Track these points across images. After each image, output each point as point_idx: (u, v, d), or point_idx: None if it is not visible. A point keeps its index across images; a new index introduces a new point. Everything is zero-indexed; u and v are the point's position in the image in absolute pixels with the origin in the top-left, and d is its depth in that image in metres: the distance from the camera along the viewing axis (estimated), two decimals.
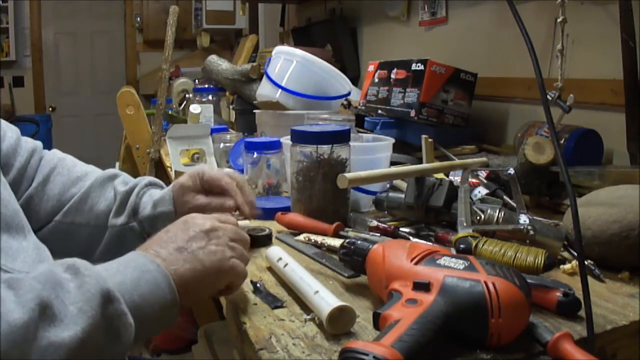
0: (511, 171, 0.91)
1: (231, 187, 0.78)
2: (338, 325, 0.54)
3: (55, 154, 0.85)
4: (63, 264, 0.48)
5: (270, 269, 0.72)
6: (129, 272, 0.51)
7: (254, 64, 1.81)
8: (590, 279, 0.66)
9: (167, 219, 0.74)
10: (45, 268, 0.47)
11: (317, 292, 0.58)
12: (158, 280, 0.52)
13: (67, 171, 0.82)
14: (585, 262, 0.68)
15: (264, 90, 1.47)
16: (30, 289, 0.43)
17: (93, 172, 0.83)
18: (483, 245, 0.66)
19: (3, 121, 0.77)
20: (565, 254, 0.75)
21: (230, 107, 2.04)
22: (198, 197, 0.79)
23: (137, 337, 0.49)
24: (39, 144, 0.83)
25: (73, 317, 0.43)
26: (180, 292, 0.53)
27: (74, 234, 0.78)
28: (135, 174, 0.83)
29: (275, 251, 0.71)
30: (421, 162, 1.12)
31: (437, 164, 0.98)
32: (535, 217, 0.80)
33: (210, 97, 2.16)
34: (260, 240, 0.81)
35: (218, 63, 1.91)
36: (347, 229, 0.85)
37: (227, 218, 0.65)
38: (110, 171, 0.84)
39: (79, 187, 0.80)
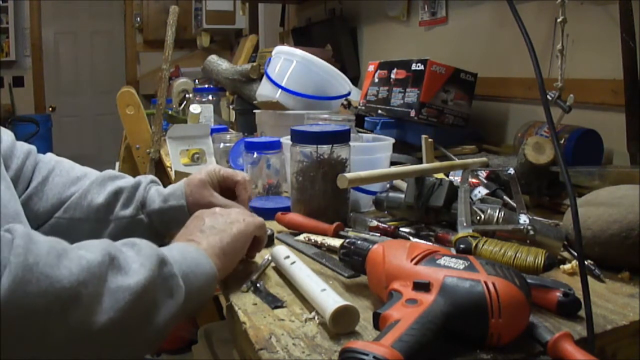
0: (511, 171, 0.91)
1: (245, 183, 0.84)
2: (341, 324, 0.54)
3: (52, 157, 0.86)
4: (122, 241, 0.56)
5: (275, 269, 0.72)
6: (174, 251, 0.59)
7: (254, 64, 1.80)
8: (590, 279, 0.66)
9: (179, 212, 0.80)
10: (103, 242, 0.52)
11: (324, 290, 0.58)
12: (199, 256, 0.60)
13: (66, 172, 0.83)
14: (585, 262, 0.68)
15: (264, 90, 1.47)
16: (97, 246, 0.50)
17: (92, 173, 0.85)
18: (483, 245, 0.66)
19: None
20: (565, 254, 0.75)
21: (230, 107, 2.04)
22: (215, 193, 0.83)
23: (185, 303, 0.55)
24: (33, 147, 0.85)
25: (136, 269, 0.51)
26: (217, 263, 0.62)
27: (74, 229, 0.79)
28: (135, 174, 0.83)
29: (281, 250, 0.72)
30: (421, 162, 1.12)
31: (437, 164, 0.98)
32: (535, 217, 0.80)
33: (210, 97, 2.16)
34: None
35: (218, 63, 1.91)
36: (347, 229, 0.85)
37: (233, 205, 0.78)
38: (110, 172, 0.85)
39: (79, 185, 0.81)
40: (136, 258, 0.52)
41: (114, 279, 0.48)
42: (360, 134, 1.16)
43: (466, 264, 0.53)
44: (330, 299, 0.56)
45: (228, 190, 0.84)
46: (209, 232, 0.66)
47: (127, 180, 0.84)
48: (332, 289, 0.59)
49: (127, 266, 0.50)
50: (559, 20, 1.00)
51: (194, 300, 0.57)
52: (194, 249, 0.61)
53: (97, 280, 0.46)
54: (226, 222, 0.68)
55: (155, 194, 0.82)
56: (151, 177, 0.86)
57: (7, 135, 0.79)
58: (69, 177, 0.82)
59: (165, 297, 0.53)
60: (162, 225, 0.82)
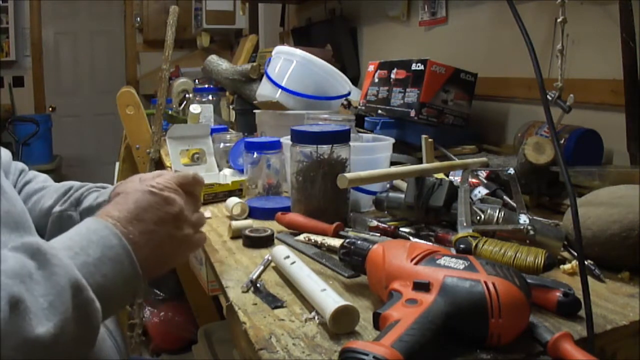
0: (511, 171, 0.91)
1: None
2: (341, 324, 0.54)
3: (45, 180, 0.87)
4: (28, 249, 0.48)
5: (274, 268, 0.72)
6: (92, 250, 0.52)
7: (254, 64, 1.80)
8: (590, 279, 0.66)
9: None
10: (13, 260, 0.46)
11: (324, 290, 0.58)
12: (121, 257, 0.54)
13: (52, 192, 0.83)
14: (585, 262, 0.68)
15: (264, 90, 1.47)
16: (2, 286, 0.43)
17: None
18: (483, 245, 0.66)
19: None
20: (565, 254, 0.75)
21: (230, 107, 2.04)
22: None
23: (103, 317, 0.50)
24: (25, 167, 0.88)
25: (44, 311, 0.43)
26: (144, 275, 0.56)
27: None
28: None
29: (281, 250, 0.72)
30: (421, 162, 1.12)
31: (437, 164, 0.98)
32: (535, 217, 0.80)
33: (210, 97, 2.16)
34: (262, 241, 0.81)
35: (218, 63, 1.91)
36: (347, 229, 0.85)
37: (189, 180, 0.67)
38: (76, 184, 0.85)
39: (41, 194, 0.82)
40: (45, 291, 0.44)
41: (19, 329, 0.41)
42: (360, 134, 1.16)
43: (466, 264, 0.53)
44: (330, 299, 0.56)
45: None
46: (154, 237, 0.59)
47: (81, 184, 0.83)
48: (332, 289, 0.59)
49: (35, 307, 0.43)
50: (559, 20, 1.00)
51: (113, 308, 0.54)
52: (117, 243, 0.54)
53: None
54: (176, 236, 0.61)
55: (94, 195, 0.79)
56: (103, 184, 0.84)
57: (6, 152, 0.80)
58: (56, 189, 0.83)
59: (82, 328, 0.47)
60: None
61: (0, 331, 0.40)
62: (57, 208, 0.78)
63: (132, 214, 0.58)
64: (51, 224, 0.78)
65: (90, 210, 0.77)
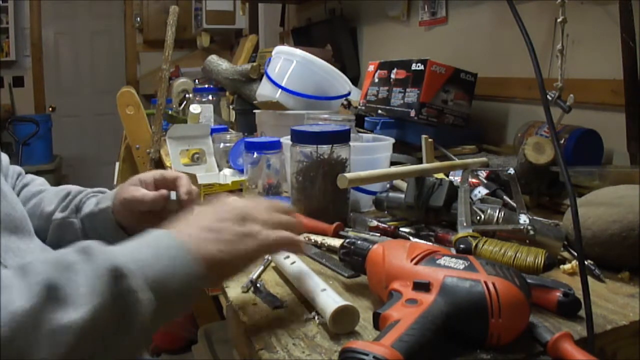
0: (511, 171, 0.91)
1: (183, 179, 0.76)
2: (341, 324, 0.54)
3: (42, 185, 0.87)
4: (77, 246, 0.48)
5: (275, 268, 0.72)
6: (144, 249, 0.50)
7: (254, 64, 1.80)
8: (590, 279, 0.66)
9: (105, 214, 0.74)
10: (59, 251, 0.47)
11: (324, 290, 0.58)
12: (179, 254, 0.50)
13: (51, 195, 0.83)
14: (585, 262, 0.68)
15: (264, 90, 1.47)
16: (40, 271, 0.43)
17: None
18: (483, 245, 0.66)
19: None
20: (565, 254, 0.75)
21: (230, 107, 2.04)
22: (141, 188, 0.75)
23: (160, 312, 0.47)
24: (22, 169, 0.88)
25: (83, 297, 0.43)
26: (208, 271, 0.51)
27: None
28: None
29: None
30: (421, 162, 1.12)
31: (437, 164, 0.98)
32: (535, 217, 0.80)
33: (210, 97, 2.16)
34: None
35: (218, 63, 1.91)
36: (347, 229, 0.85)
37: (259, 200, 0.63)
38: (74, 187, 0.85)
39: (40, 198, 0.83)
40: (85, 278, 0.44)
41: (53, 316, 0.41)
42: (360, 134, 1.16)
43: (466, 264, 0.53)
44: (330, 299, 0.56)
45: (167, 188, 0.76)
46: (214, 234, 0.54)
47: (78, 188, 0.82)
48: (332, 289, 0.59)
49: (73, 295, 0.43)
50: (559, 20, 1.00)
51: (175, 305, 0.50)
52: (175, 244, 0.51)
53: (25, 330, 0.40)
54: (240, 232, 0.55)
55: (93, 200, 0.78)
56: (100, 189, 0.83)
57: (5, 156, 0.80)
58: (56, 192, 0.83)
59: (123, 318, 0.45)
60: (92, 231, 0.76)
61: (30, 320, 0.40)
62: (58, 215, 0.78)
63: (192, 219, 0.56)
64: (52, 230, 0.78)
65: (92, 216, 0.76)
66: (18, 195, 0.82)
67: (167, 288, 0.48)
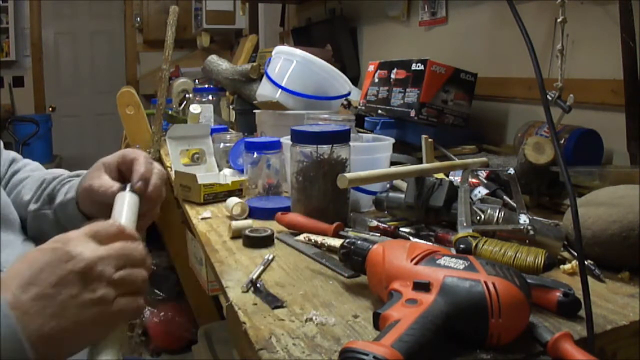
0: (511, 171, 0.91)
1: (142, 159, 0.70)
2: None
3: (32, 168, 0.86)
4: None
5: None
6: None
7: (254, 64, 1.80)
8: (590, 279, 0.66)
9: (72, 205, 0.72)
10: None
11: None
12: (6, 334, 0.42)
13: (34, 179, 0.82)
14: (585, 262, 0.68)
15: (264, 90, 1.47)
16: None
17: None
18: (483, 245, 0.66)
19: None
20: (565, 254, 0.75)
21: (230, 107, 2.04)
22: (103, 175, 0.70)
23: None
24: (17, 156, 0.86)
25: None
26: (43, 350, 0.44)
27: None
28: None
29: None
30: (421, 162, 1.12)
31: (437, 164, 0.98)
32: (535, 217, 0.80)
33: (210, 97, 2.16)
34: (262, 241, 0.81)
35: (218, 63, 1.91)
36: (347, 229, 0.85)
37: (108, 231, 0.51)
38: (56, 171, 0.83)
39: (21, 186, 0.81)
40: None
41: None
42: (360, 134, 1.16)
43: (466, 264, 0.53)
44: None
45: (129, 171, 0.70)
46: (52, 305, 0.44)
47: (55, 175, 0.79)
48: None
49: None
50: (559, 20, 1.00)
51: None
52: (4, 329, 0.42)
53: None
54: (82, 300, 0.45)
55: (66, 187, 0.74)
56: (78, 172, 0.78)
57: None
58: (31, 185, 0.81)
59: None
60: (66, 221, 0.73)
61: None
62: (32, 206, 0.76)
63: (25, 277, 0.45)
64: (30, 222, 0.77)
65: (63, 206, 0.73)
66: (8, 182, 0.80)
67: None
